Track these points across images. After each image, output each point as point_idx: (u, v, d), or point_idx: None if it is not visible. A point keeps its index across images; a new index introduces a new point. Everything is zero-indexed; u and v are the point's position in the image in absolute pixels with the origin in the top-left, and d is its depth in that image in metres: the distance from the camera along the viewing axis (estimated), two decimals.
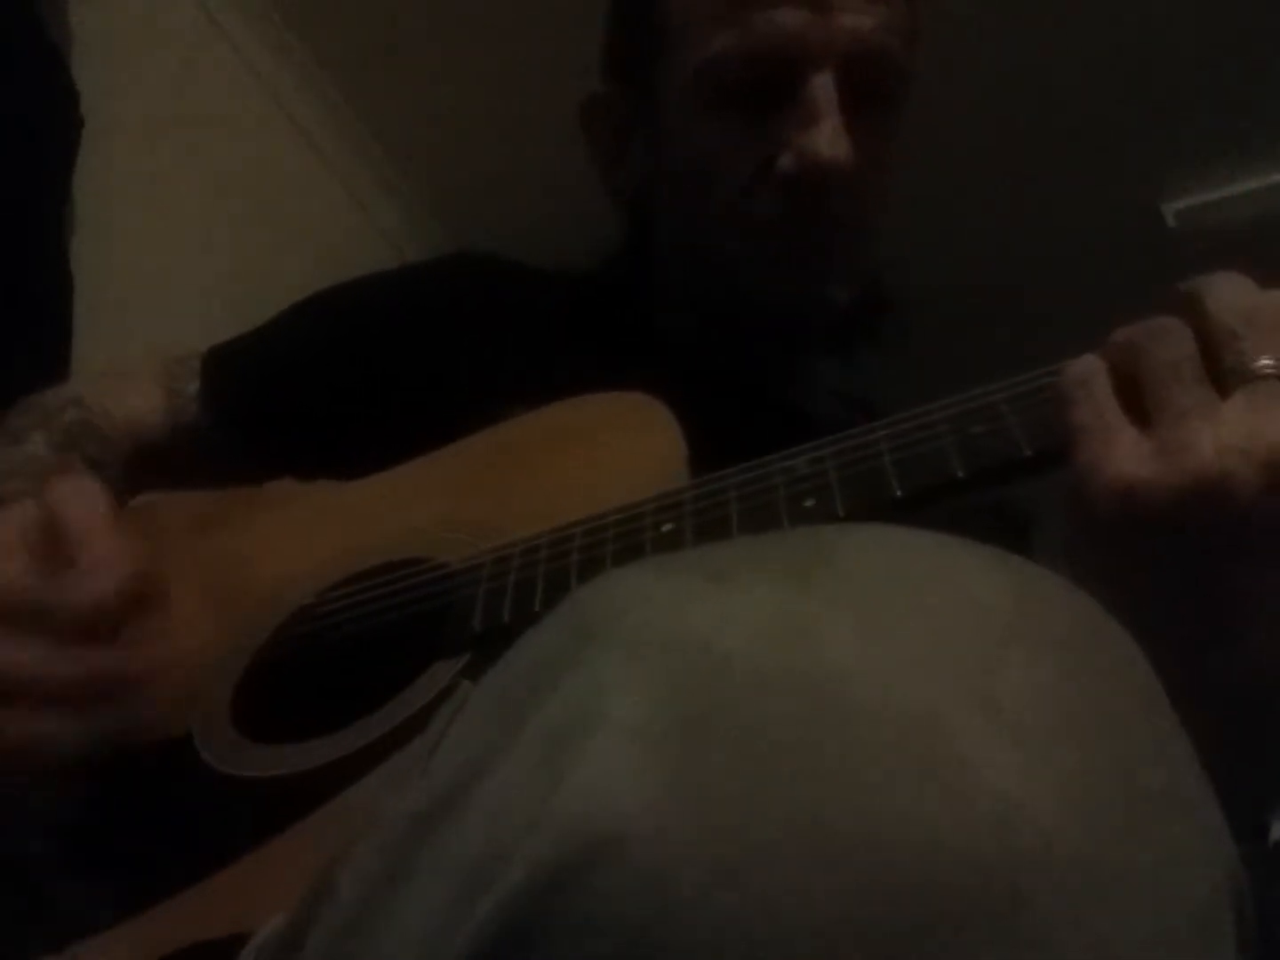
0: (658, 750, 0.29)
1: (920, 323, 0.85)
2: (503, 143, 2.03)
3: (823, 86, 0.73)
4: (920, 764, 0.28)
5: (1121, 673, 0.32)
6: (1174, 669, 0.42)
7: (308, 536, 0.70)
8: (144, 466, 0.84)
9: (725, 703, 0.29)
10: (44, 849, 0.56)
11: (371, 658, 0.58)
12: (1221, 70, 1.88)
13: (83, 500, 0.58)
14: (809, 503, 0.52)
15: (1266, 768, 0.48)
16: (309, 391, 0.84)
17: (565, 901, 0.28)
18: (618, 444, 0.64)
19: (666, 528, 0.54)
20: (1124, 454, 0.45)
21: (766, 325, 0.78)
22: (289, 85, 1.93)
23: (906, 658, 0.30)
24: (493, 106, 2.00)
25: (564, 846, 0.28)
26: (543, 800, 0.29)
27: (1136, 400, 0.46)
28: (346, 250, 1.98)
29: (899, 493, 0.51)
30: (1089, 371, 0.48)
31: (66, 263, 1.36)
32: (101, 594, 0.54)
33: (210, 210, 1.70)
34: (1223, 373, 0.45)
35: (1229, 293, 0.47)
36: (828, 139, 0.72)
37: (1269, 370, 0.44)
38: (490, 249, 0.92)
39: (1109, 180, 2.04)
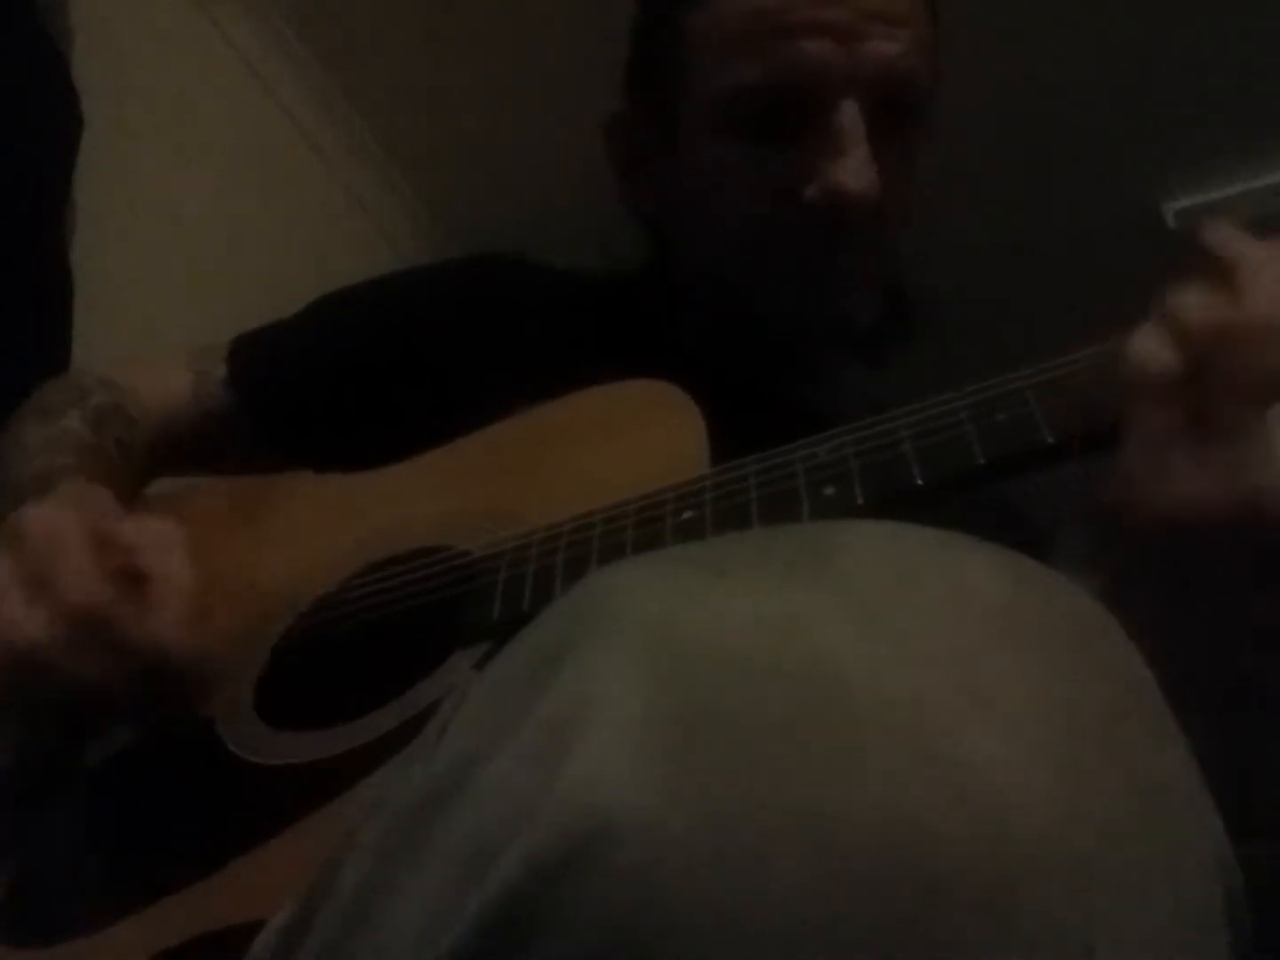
0: (653, 743, 0.29)
1: (919, 323, 0.85)
2: (503, 143, 2.03)
3: (849, 117, 0.72)
4: (914, 758, 0.28)
5: (1117, 669, 0.32)
6: (1199, 673, 0.42)
7: (329, 526, 0.71)
8: (170, 450, 0.85)
9: (721, 696, 0.29)
10: (70, 835, 0.56)
11: (392, 646, 0.58)
12: (1221, 70, 1.88)
13: (168, 551, 0.60)
14: (829, 491, 0.52)
15: (1260, 759, 0.48)
16: (333, 383, 0.84)
17: (560, 892, 0.28)
18: (639, 432, 0.64)
19: (686, 515, 0.54)
20: (1180, 474, 0.44)
21: (789, 344, 0.78)
22: (289, 85, 1.93)
23: (902, 652, 0.30)
24: (493, 106, 2.00)
25: (559, 838, 0.28)
26: (538, 791, 0.29)
27: (1195, 404, 0.45)
28: (346, 250, 1.98)
29: (919, 481, 0.50)
30: (1165, 369, 0.46)
31: (66, 263, 1.35)
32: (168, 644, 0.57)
33: (210, 210, 1.70)
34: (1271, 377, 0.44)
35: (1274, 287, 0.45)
36: (855, 172, 0.71)
37: None
38: (516, 250, 0.92)
39: (1109, 180, 2.05)
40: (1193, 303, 0.46)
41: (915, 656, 0.30)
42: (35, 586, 0.57)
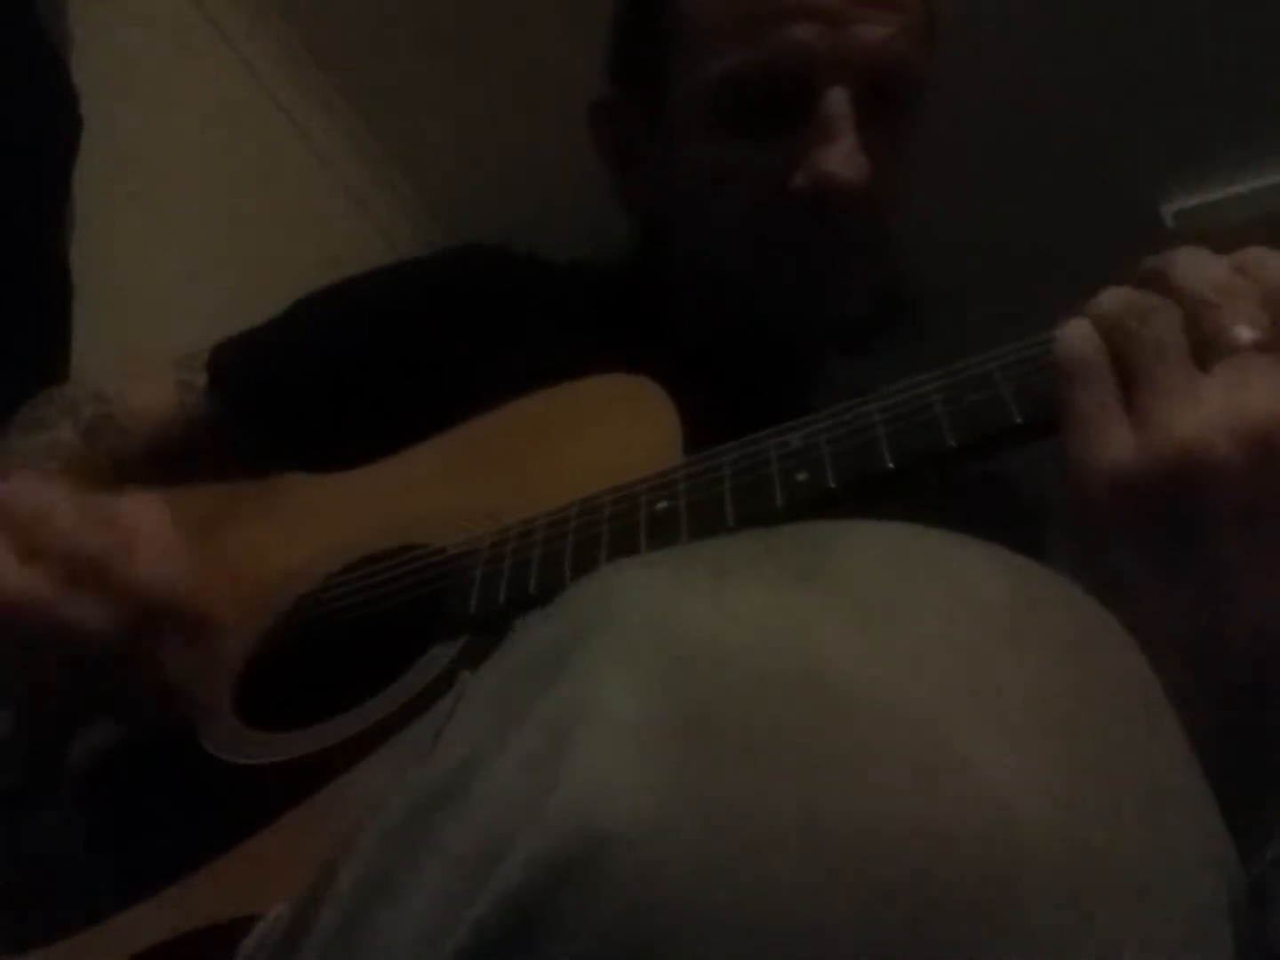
0: (655, 747, 0.29)
1: (915, 319, 0.85)
2: (503, 142, 2.03)
3: (838, 103, 0.72)
4: (917, 762, 0.28)
5: (1121, 671, 0.32)
6: (1173, 651, 0.42)
7: (311, 526, 0.71)
8: (158, 460, 0.85)
9: (723, 700, 0.29)
10: (50, 836, 0.56)
11: (371, 643, 0.58)
12: (1221, 70, 1.88)
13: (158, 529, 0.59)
14: (801, 476, 0.52)
15: (1267, 757, 0.47)
16: (315, 383, 0.84)
17: (562, 896, 0.28)
18: (614, 427, 0.64)
19: (661, 506, 0.54)
20: (1113, 442, 0.45)
21: (781, 338, 0.77)
22: (289, 85, 1.93)
23: (905, 655, 0.30)
24: (493, 106, 2.00)
25: (560, 843, 0.28)
26: (540, 796, 0.29)
27: (1121, 377, 0.46)
28: (346, 250, 1.98)
29: (891, 464, 0.50)
30: (1091, 351, 0.48)
31: (66, 263, 1.36)
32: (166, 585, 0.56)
33: (210, 210, 1.70)
34: (1202, 344, 0.45)
35: (1198, 264, 0.47)
36: (843, 158, 0.71)
37: (1248, 340, 0.44)
38: (500, 240, 0.92)
39: (1109, 180, 2.04)
40: (1108, 292, 0.49)
41: (915, 657, 0.30)
42: (25, 546, 0.56)
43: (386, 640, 0.57)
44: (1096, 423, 0.46)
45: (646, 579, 0.34)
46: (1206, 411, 0.44)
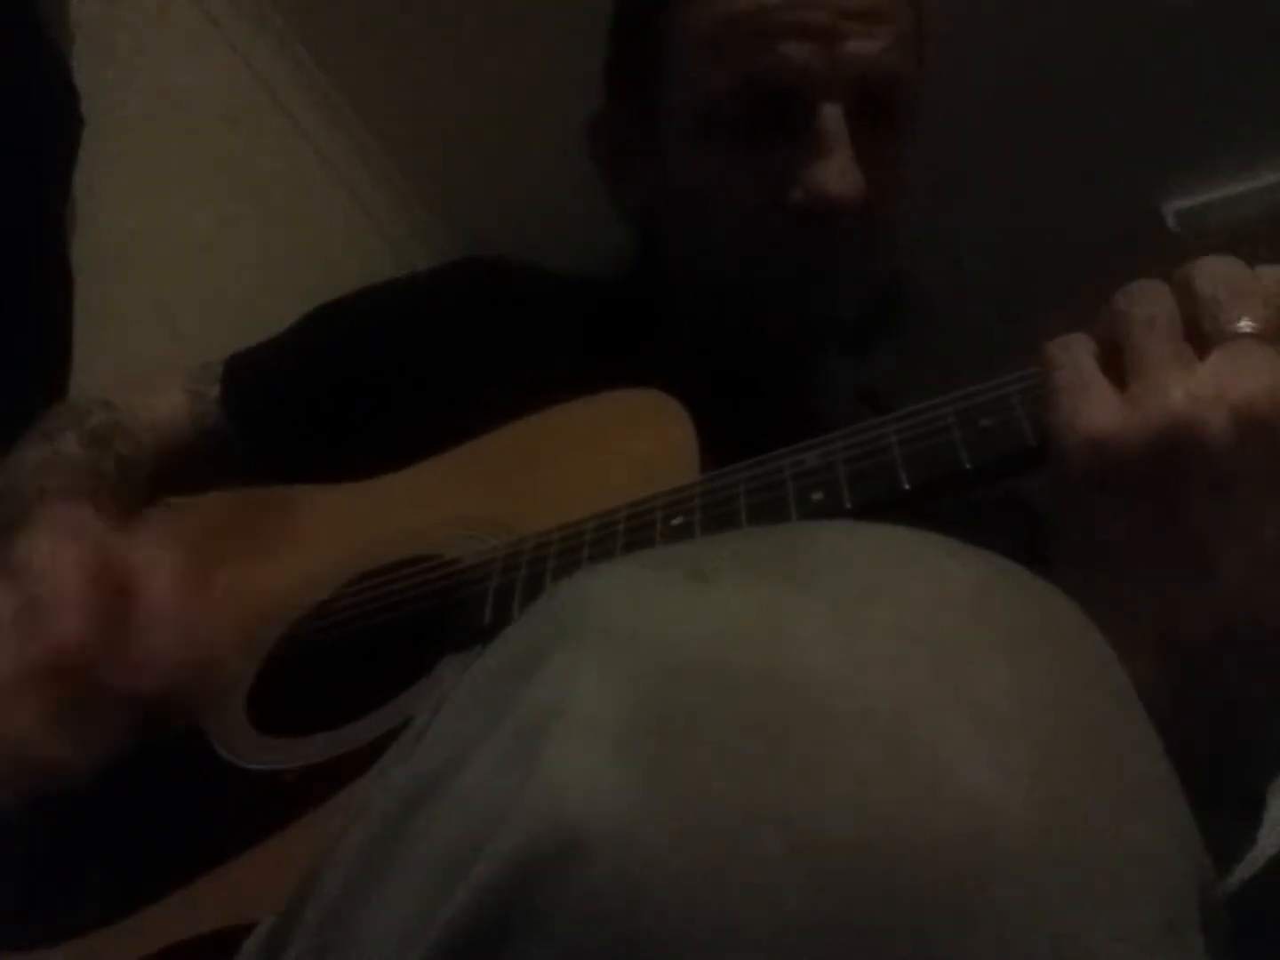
0: (629, 746, 0.29)
1: (913, 320, 0.85)
2: (504, 142, 2.03)
3: (832, 119, 0.72)
4: (892, 761, 0.28)
5: (1093, 670, 0.32)
6: (1150, 629, 0.42)
7: (325, 536, 0.71)
8: (169, 469, 0.86)
9: (697, 700, 0.29)
10: (55, 840, 0.56)
11: (384, 653, 0.58)
12: (1221, 70, 1.88)
13: (161, 574, 0.59)
14: (817, 496, 0.52)
15: (1241, 741, 0.46)
16: (325, 397, 0.85)
17: (535, 895, 0.28)
18: (631, 440, 0.64)
19: (676, 522, 0.54)
20: (1096, 406, 0.45)
21: (780, 342, 0.78)
22: (289, 85, 1.93)
23: (879, 655, 0.30)
24: (494, 106, 2.00)
25: (533, 841, 0.28)
26: (514, 794, 0.29)
27: (1118, 362, 0.46)
28: (347, 251, 1.99)
29: (906, 486, 0.50)
30: (1069, 338, 0.49)
31: (67, 263, 1.36)
32: (159, 683, 0.55)
33: (210, 210, 1.70)
34: (1202, 337, 0.45)
35: (1213, 266, 0.47)
36: (839, 174, 0.71)
37: (1247, 330, 0.45)
38: (500, 252, 0.92)
39: (1109, 180, 2.05)
40: None
41: (892, 657, 0.30)
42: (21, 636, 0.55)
43: (399, 650, 0.57)
44: (1077, 388, 0.46)
45: (621, 582, 0.34)
46: (1198, 383, 0.44)
